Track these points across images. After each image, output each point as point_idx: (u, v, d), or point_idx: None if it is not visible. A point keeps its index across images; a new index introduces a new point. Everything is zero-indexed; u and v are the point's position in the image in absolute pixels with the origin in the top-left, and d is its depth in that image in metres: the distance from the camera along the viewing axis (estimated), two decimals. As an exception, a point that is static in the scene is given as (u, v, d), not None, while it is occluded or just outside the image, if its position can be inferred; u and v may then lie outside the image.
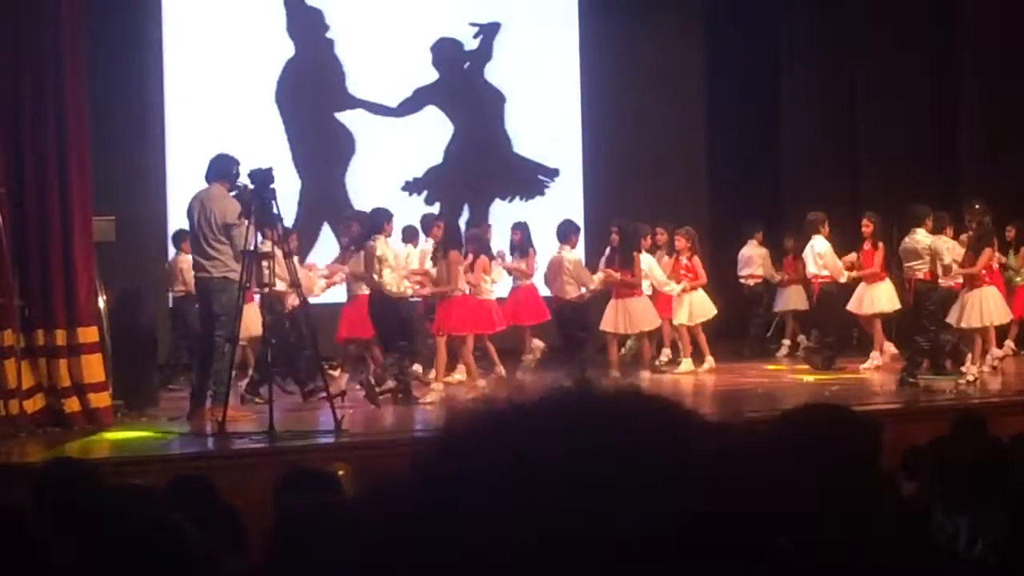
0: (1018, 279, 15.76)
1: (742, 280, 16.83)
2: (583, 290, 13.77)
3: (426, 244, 13.95)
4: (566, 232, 13.90)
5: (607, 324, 13.99)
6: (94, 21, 11.98)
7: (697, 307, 15.08)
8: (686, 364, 14.92)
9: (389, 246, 12.70)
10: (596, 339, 14.09)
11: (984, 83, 17.91)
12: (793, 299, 16.78)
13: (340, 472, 6.60)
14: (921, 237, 13.47)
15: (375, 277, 12.41)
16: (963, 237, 13.90)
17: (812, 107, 18.48)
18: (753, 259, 16.80)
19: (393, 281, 12.53)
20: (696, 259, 15.14)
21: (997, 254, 14.44)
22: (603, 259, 14.49)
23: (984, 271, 13.38)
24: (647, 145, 18.18)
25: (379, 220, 12.78)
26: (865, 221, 14.75)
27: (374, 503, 1.00)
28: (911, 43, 18.04)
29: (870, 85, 18.31)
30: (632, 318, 13.89)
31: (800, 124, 18.69)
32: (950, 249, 13.59)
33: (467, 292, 13.25)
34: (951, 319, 13.45)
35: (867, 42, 18.26)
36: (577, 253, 13.84)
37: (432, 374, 13.37)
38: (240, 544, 4.36)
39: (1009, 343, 15.66)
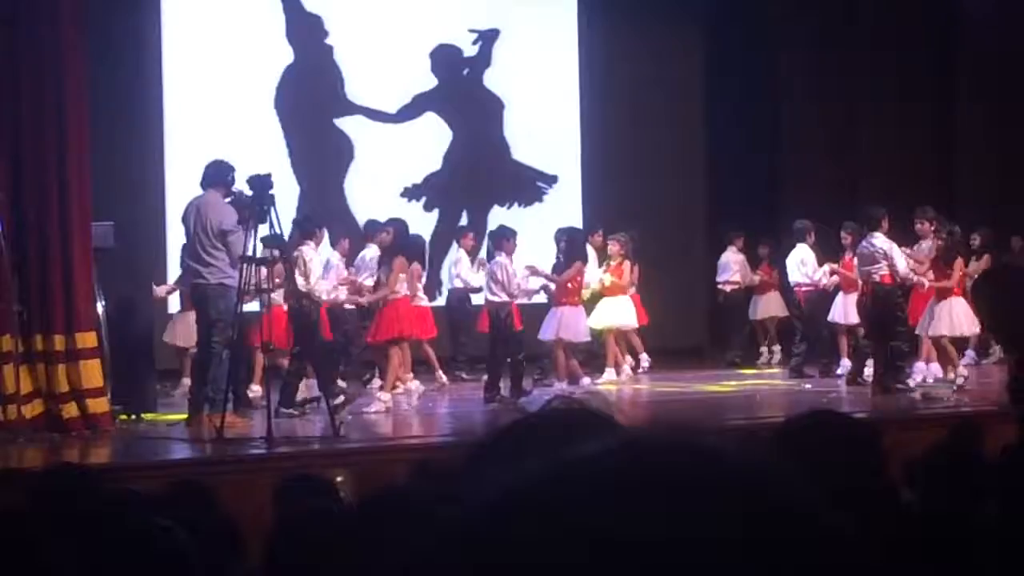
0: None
1: (719, 287, 16.83)
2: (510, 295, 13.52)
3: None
4: (499, 239, 13.59)
5: (544, 332, 13.92)
6: (94, 27, 11.98)
7: (616, 314, 14.99)
8: (609, 374, 14.81)
9: (317, 254, 12.70)
10: (526, 347, 14.02)
11: (983, 83, 17.92)
12: (771, 306, 16.79)
13: (338, 479, 6.61)
14: (878, 241, 13.38)
15: (300, 283, 12.26)
16: (925, 246, 13.89)
17: (811, 112, 18.50)
18: (730, 265, 16.81)
19: (323, 289, 12.55)
20: (626, 265, 15.08)
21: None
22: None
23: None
24: (645, 151, 18.19)
25: (310, 228, 12.79)
26: (844, 233, 14.68)
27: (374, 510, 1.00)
28: (911, 45, 18.06)
29: (869, 89, 18.32)
30: (558, 326, 13.79)
31: (799, 129, 18.69)
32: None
33: (404, 295, 13.14)
34: (919, 328, 13.49)
35: (867, 44, 18.28)
36: (511, 260, 13.68)
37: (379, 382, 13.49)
38: (239, 551, 4.36)
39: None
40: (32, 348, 10.77)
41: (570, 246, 14.03)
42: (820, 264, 15.04)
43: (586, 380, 13.93)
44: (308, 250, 12.53)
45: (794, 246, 15.06)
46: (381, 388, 12.86)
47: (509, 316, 13.22)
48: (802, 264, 14.84)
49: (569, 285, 13.79)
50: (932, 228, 13.75)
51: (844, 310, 14.77)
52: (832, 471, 2.86)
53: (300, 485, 5.15)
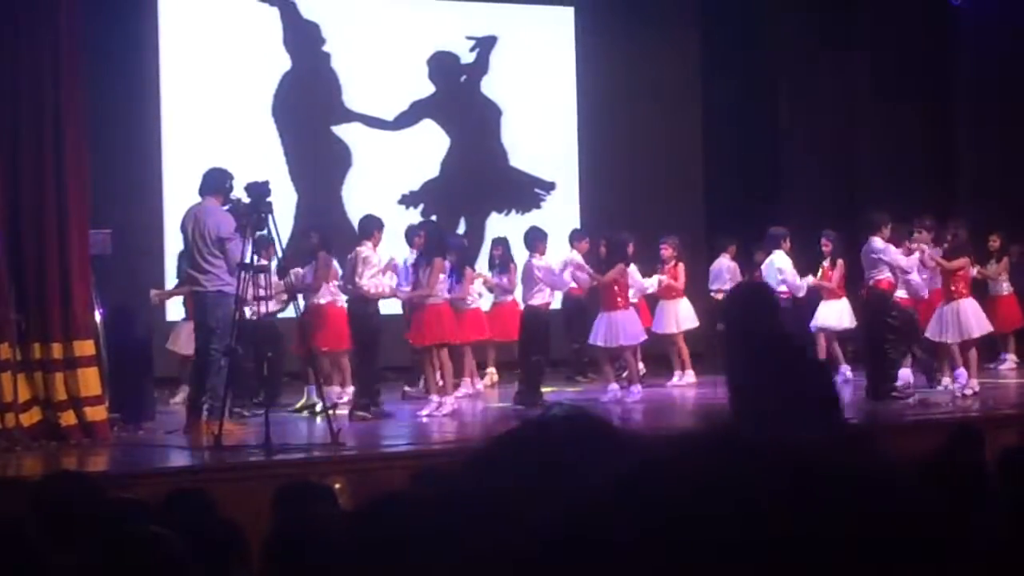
0: (1000, 289, 15.81)
1: (712, 294, 16.80)
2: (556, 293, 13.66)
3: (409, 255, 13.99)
4: (533, 240, 13.87)
5: (595, 337, 13.94)
6: (92, 35, 11.99)
7: (682, 316, 15.24)
8: (689, 376, 15.08)
9: (376, 254, 12.72)
10: (552, 351, 14.10)
11: (982, 84, 17.92)
12: None
13: (336, 485, 6.60)
14: (876, 244, 13.34)
15: (357, 281, 12.40)
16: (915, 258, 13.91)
17: (810, 118, 18.48)
18: (723, 273, 16.79)
19: (372, 284, 12.55)
20: (681, 267, 15.21)
21: (977, 268, 14.52)
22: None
23: (960, 283, 13.32)
24: (643, 158, 18.18)
25: (369, 227, 12.80)
26: (824, 240, 14.74)
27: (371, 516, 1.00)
28: (911, 45, 18.06)
29: (869, 93, 18.31)
30: (615, 331, 13.83)
31: (798, 135, 18.68)
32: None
33: (445, 299, 13.11)
34: (928, 332, 13.42)
35: (867, 44, 18.27)
36: (547, 259, 13.81)
37: (422, 384, 13.52)
38: (239, 557, 4.36)
39: (1012, 356, 15.75)
40: (30, 356, 10.76)
41: (612, 248, 14.12)
42: (799, 271, 14.99)
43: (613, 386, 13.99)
44: (366, 250, 12.55)
45: (769, 253, 15.02)
46: (440, 391, 12.77)
47: (548, 320, 13.41)
48: (779, 272, 14.79)
49: (615, 288, 13.81)
50: (932, 236, 13.72)
51: (818, 317, 14.72)
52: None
53: (298, 492, 5.14)
